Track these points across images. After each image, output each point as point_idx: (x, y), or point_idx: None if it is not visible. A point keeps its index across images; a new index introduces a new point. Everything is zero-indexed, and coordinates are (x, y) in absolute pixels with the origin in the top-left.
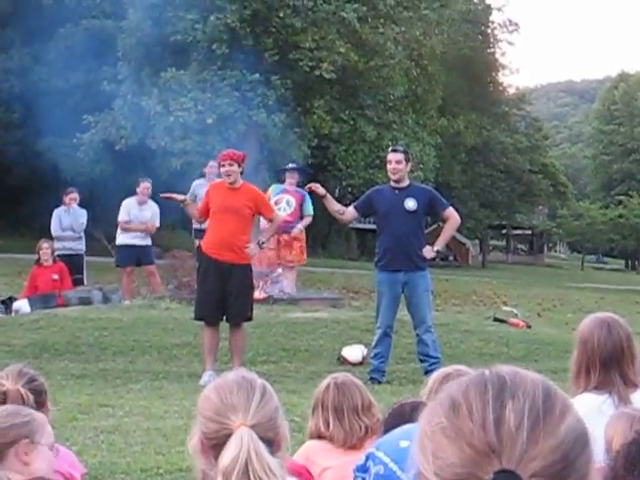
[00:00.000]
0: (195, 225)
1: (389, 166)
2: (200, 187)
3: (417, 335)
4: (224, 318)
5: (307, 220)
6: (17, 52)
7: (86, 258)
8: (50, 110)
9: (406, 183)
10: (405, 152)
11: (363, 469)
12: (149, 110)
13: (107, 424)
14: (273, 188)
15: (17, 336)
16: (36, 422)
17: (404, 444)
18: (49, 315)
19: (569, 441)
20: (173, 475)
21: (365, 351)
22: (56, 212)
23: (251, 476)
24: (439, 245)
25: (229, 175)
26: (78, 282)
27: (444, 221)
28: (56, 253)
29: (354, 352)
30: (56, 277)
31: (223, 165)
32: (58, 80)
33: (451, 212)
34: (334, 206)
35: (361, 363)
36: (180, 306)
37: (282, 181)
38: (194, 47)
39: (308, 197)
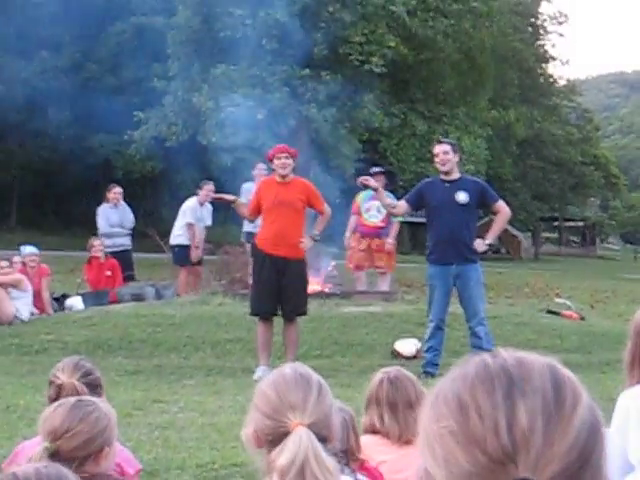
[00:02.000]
0: (246, 228)
1: (437, 159)
2: (249, 192)
3: (470, 328)
4: (279, 313)
5: (396, 227)
6: (67, 50)
7: (137, 254)
8: (101, 108)
9: (457, 176)
10: (452, 143)
11: None
12: (200, 106)
13: (161, 420)
14: (362, 195)
15: (70, 333)
16: (112, 422)
17: None
18: (102, 312)
19: (584, 436)
20: (228, 470)
21: (418, 345)
22: (102, 209)
23: (307, 476)
24: (490, 238)
25: (285, 167)
26: (129, 278)
27: (494, 214)
28: (106, 250)
29: (407, 346)
30: (109, 273)
31: (279, 158)
32: (109, 77)
33: (501, 205)
34: (386, 200)
35: (415, 357)
36: (233, 301)
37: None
38: (244, 43)
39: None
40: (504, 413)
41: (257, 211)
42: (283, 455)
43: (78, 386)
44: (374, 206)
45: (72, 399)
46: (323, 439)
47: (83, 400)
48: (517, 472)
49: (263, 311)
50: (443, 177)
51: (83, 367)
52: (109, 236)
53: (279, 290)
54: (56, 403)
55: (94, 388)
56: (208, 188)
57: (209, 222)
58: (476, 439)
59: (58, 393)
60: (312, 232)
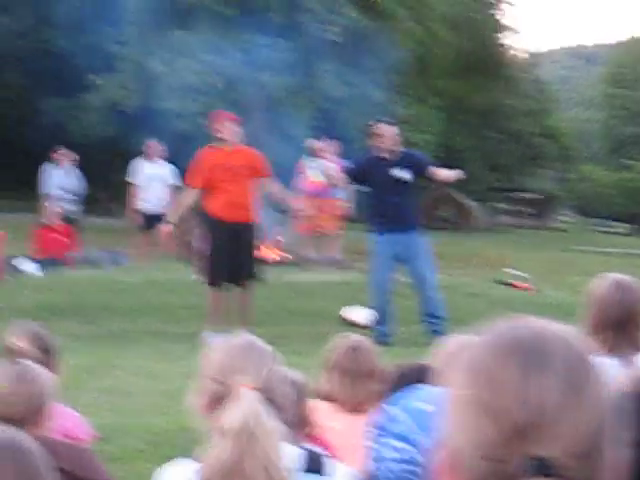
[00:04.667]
0: None
1: (390, 141)
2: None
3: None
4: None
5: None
6: (20, 13)
7: (89, 219)
8: (55, 71)
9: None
10: (395, 124)
11: (381, 428)
12: (155, 71)
13: (111, 385)
14: (307, 158)
15: (25, 297)
16: (49, 383)
17: (425, 406)
18: (56, 277)
19: (599, 415)
20: (177, 434)
21: (370, 314)
22: (51, 171)
23: (254, 438)
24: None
25: (232, 134)
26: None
27: (430, 180)
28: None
29: (360, 314)
30: (63, 239)
31: (226, 125)
32: (62, 41)
33: (433, 169)
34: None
35: (367, 326)
36: (185, 267)
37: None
38: (200, 9)
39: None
40: (524, 387)
41: (204, 182)
42: (231, 417)
43: (32, 350)
44: (321, 165)
45: (7, 363)
46: (271, 404)
47: (19, 363)
48: (531, 447)
49: (223, 279)
50: (382, 154)
51: (37, 332)
52: (58, 199)
53: (233, 256)
54: None
55: (46, 353)
56: (152, 144)
57: (171, 181)
58: (495, 410)
59: (12, 356)
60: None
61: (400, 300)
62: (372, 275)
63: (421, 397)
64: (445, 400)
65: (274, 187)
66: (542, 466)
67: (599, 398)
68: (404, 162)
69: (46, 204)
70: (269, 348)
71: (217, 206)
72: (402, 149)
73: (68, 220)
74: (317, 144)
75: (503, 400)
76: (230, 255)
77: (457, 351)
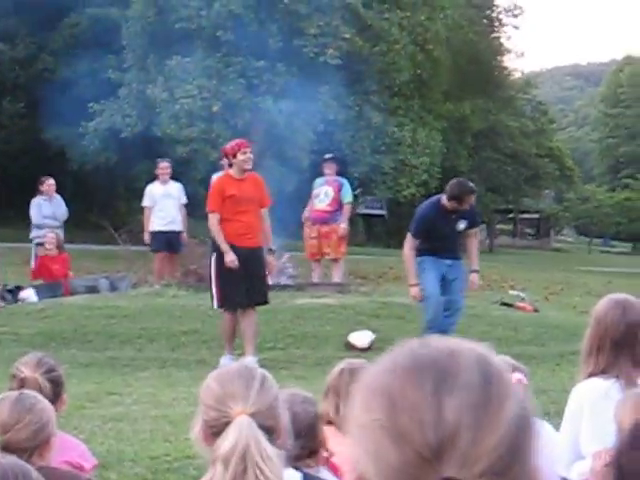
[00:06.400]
0: None
1: (458, 207)
2: None
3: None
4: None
5: (346, 210)
6: (22, 41)
7: (91, 246)
8: (56, 99)
9: None
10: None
11: None
12: (154, 98)
13: (115, 412)
14: (316, 181)
15: (24, 325)
16: (54, 414)
17: None
18: (56, 304)
19: (512, 432)
20: (181, 462)
21: (372, 337)
22: (35, 201)
23: (249, 463)
24: (476, 266)
25: (250, 162)
26: None
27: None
28: (36, 241)
29: (361, 337)
30: (57, 267)
31: (245, 152)
32: (63, 69)
33: (477, 231)
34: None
35: (368, 348)
36: (187, 293)
37: (322, 173)
38: (199, 34)
39: (347, 184)
40: (431, 409)
41: (221, 208)
42: (225, 442)
43: (41, 381)
44: (322, 191)
45: (14, 393)
46: (268, 430)
47: (25, 393)
48: (444, 470)
49: (237, 303)
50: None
51: (47, 363)
52: (40, 227)
53: (246, 281)
54: None
55: (56, 385)
56: (163, 165)
57: (184, 199)
58: (404, 434)
59: (21, 387)
60: (267, 249)
61: (402, 323)
62: (426, 289)
63: None
64: (351, 426)
65: (267, 220)
66: None
67: (512, 416)
68: (465, 213)
69: (39, 233)
70: (265, 373)
71: (230, 233)
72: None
73: (60, 247)
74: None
75: (411, 423)
76: (243, 280)
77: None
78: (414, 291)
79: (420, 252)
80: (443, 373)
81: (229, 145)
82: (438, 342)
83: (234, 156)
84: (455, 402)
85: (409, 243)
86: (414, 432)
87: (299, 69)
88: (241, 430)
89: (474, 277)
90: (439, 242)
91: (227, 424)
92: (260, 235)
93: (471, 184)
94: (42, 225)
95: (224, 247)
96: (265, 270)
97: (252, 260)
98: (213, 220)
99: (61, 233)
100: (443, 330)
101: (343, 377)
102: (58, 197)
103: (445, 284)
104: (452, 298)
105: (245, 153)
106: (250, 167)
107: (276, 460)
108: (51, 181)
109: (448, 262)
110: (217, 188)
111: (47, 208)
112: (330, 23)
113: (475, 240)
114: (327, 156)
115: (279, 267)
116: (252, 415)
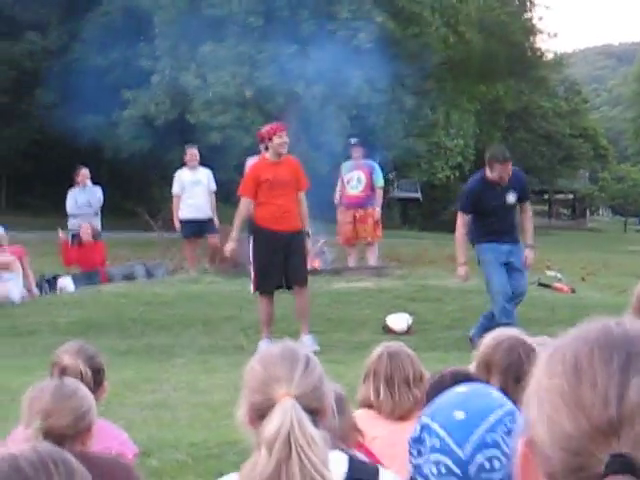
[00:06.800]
0: None
1: (501, 175)
2: None
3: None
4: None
5: (379, 194)
6: (55, 31)
7: (127, 233)
8: (89, 88)
9: None
10: (510, 157)
11: (419, 441)
12: (187, 85)
13: (153, 399)
14: (344, 165)
15: (62, 314)
16: (94, 401)
17: (459, 415)
18: (93, 292)
19: None
20: (221, 448)
21: (410, 320)
22: (70, 192)
23: (293, 447)
24: (531, 241)
25: (285, 145)
26: None
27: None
28: (72, 231)
29: (399, 321)
30: (94, 254)
31: (281, 136)
32: (96, 58)
33: (528, 206)
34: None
35: (406, 332)
36: (223, 280)
37: (349, 156)
38: (230, 20)
39: (377, 168)
40: (617, 385)
41: (255, 192)
42: (268, 426)
43: (82, 368)
44: (354, 177)
45: (55, 380)
46: (313, 411)
47: (66, 380)
48: (618, 445)
49: (271, 287)
50: (495, 181)
51: (87, 350)
52: (75, 216)
53: (284, 264)
54: (38, 385)
55: (97, 372)
56: (191, 152)
57: (213, 186)
58: (584, 405)
59: (62, 375)
60: (304, 232)
61: (440, 305)
62: (492, 281)
63: (454, 404)
64: (530, 389)
65: (304, 203)
66: (625, 464)
67: None
68: (513, 185)
69: (74, 223)
70: (310, 354)
71: (266, 217)
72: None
73: (96, 236)
74: (353, 150)
75: (593, 395)
76: (281, 264)
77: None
78: (461, 270)
79: (478, 238)
80: (634, 353)
81: (265, 129)
82: (634, 324)
83: (270, 139)
84: None
85: (460, 220)
86: (595, 404)
87: (331, 53)
88: (285, 413)
89: (529, 253)
90: (491, 220)
91: (272, 407)
92: (297, 218)
93: (506, 152)
94: (77, 214)
95: (233, 235)
96: (304, 252)
97: (290, 243)
98: (241, 203)
99: (97, 221)
100: (513, 322)
101: (382, 361)
102: (91, 185)
103: (507, 271)
104: (516, 284)
105: (281, 137)
106: (286, 150)
107: (321, 444)
108: (84, 170)
109: (507, 247)
110: (252, 173)
111: (82, 197)
112: (362, 7)
113: (528, 214)
114: (353, 141)
115: (316, 251)
116: (296, 397)
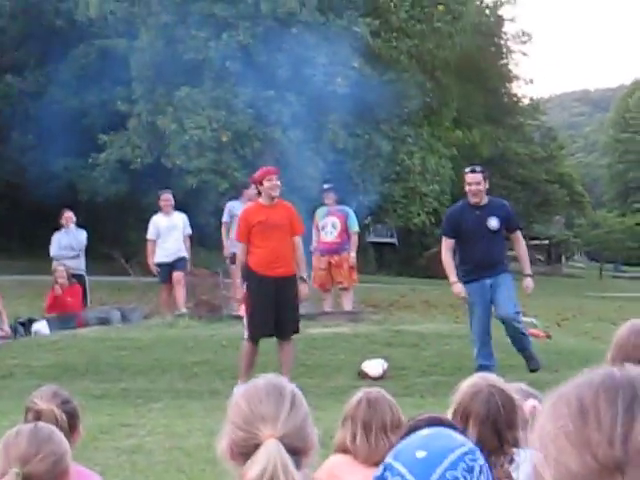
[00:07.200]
0: (232, 249)
1: (469, 187)
2: (237, 207)
3: (505, 322)
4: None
5: (354, 239)
6: (31, 74)
7: (103, 278)
8: (65, 131)
9: (485, 201)
10: (483, 171)
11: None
12: (164, 129)
13: (129, 444)
14: (318, 212)
15: (37, 357)
16: (68, 447)
17: (420, 454)
18: (68, 336)
19: None
20: None
21: (385, 365)
22: (55, 235)
23: None
24: (528, 270)
25: (276, 189)
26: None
27: (508, 239)
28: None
29: (374, 366)
30: (69, 299)
31: (270, 180)
32: (72, 100)
33: (519, 235)
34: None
35: (381, 377)
36: (199, 324)
37: (323, 202)
38: (207, 65)
39: (352, 213)
40: (622, 424)
41: (248, 237)
42: (253, 468)
43: (57, 413)
44: (329, 222)
45: (29, 425)
46: (297, 451)
47: (40, 425)
48: None
49: (259, 335)
50: (472, 203)
51: (62, 395)
52: (58, 258)
53: (276, 312)
54: (13, 430)
55: (72, 417)
56: (165, 197)
57: (188, 230)
58: (590, 444)
59: (37, 419)
60: (299, 277)
61: (416, 350)
62: (472, 324)
63: (417, 445)
64: (535, 435)
65: (300, 248)
66: None
67: None
68: (495, 211)
69: (57, 266)
70: (295, 389)
71: (258, 262)
72: (492, 198)
73: (77, 278)
74: (326, 196)
75: (599, 434)
76: (271, 311)
77: (467, 399)
78: (456, 288)
79: (461, 277)
80: (638, 395)
81: (257, 173)
82: (635, 369)
83: (261, 183)
84: None
85: (444, 244)
86: (601, 443)
87: (308, 98)
88: (269, 456)
89: (528, 282)
90: (473, 248)
91: (255, 446)
92: (291, 263)
93: (478, 166)
94: (59, 257)
95: (237, 282)
96: (297, 298)
97: (282, 289)
98: (238, 250)
99: (81, 263)
100: (490, 365)
101: (361, 406)
102: (74, 228)
103: (493, 300)
104: (502, 312)
105: (271, 180)
106: (277, 194)
107: None
108: (68, 213)
109: (489, 282)
110: (243, 217)
111: (65, 239)
112: (339, 52)
113: (521, 243)
114: (326, 186)
115: None
116: (281, 438)
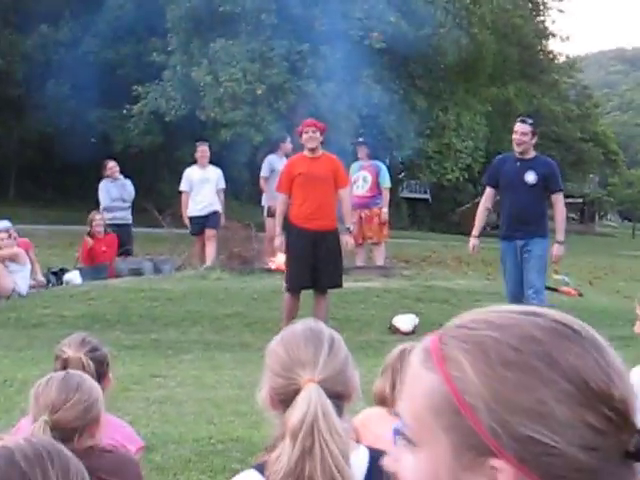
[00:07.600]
0: (265, 202)
1: (514, 136)
2: (276, 161)
3: (525, 299)
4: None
5: (386, 195)
6: (66, 24)
7: (136, 229)
8: (100, 82)
9: (531, 155)
10: (533, 124)
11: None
12: (199, 81)
13: (159, 394)
14: (352, 166)
15: (68, 307)
16: (101, 393)
17: None
18: (100, 286)
19: None
20: (225, 444)
21: (416, 320)
22: (102, 184)
23: (316, 437)
24: (561, 237)
25: (312, 141)
26: (127, 253)
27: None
28: (107, 222)
29: (406, 321)
30: (104, 249)
31: (307, 132)
32: (107, 51)
33: (559, 198)
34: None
35: (412, 332)
36: (230, 276)
37: (357, 157)
38: (243, 17)
39: (384, 169)
40: (600, 362)
41: (291, 187)
42: (294, 414)
43: (84, 361)
44: (360, 177)
45: (60, 373)
46: (337, 395)
47: (71, 372)
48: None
49: (300, 286)
50: (517, 155)
51: (90, 342)
52: (110, 210)
53: (315, 263)
54: (44, 378)
55: (100, 364)
56: (202, 148)
57: (222, 184)
58: (596, 394)
59: (64, 367)
60: (344, 226)
61: (446, 306)
62: (504, 283)
63: None
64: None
65: (346, 200)
66: None
67: None
68: (536, 166)
69: (95, 215)
70: (335, 334)
71: (298, 214)
72: (540, 155)
73: (120, 228)
74: (359, 150)
75: (595, 384)
76: (310, 264)
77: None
78: (470, 243)
79: (501, 231)
80: (583, 333)
81: (300, 126)
82: (548, 310)
83: (300, 135)
84: (610, 351)
85: (485, 195)
86: (604, 387)
87: (343, 52)
88: (309, 402)
89: (556, 249)
90: (508, 200)
91: (295, 392)
92: (332, 216)
93: (530, 116)
94: (111, 208)
95: (277, 230)
96: (338, 252)
97: (322, 242)
98: (278, 200)
99: (129, 213)
100: None
101: (403, 355)
102: (122, 178)
103: (523, 266)
104: (525, 281)
105: (307, 132)
106: (314, 146)
107: (344, 435)
108: (112, 164)
109: (520, 243)
110: (286, 168)
111: (114, 191)
112: (375, 6)
113: (559, 207)
114: (358, 140)
115: None
116: (321, 382)
